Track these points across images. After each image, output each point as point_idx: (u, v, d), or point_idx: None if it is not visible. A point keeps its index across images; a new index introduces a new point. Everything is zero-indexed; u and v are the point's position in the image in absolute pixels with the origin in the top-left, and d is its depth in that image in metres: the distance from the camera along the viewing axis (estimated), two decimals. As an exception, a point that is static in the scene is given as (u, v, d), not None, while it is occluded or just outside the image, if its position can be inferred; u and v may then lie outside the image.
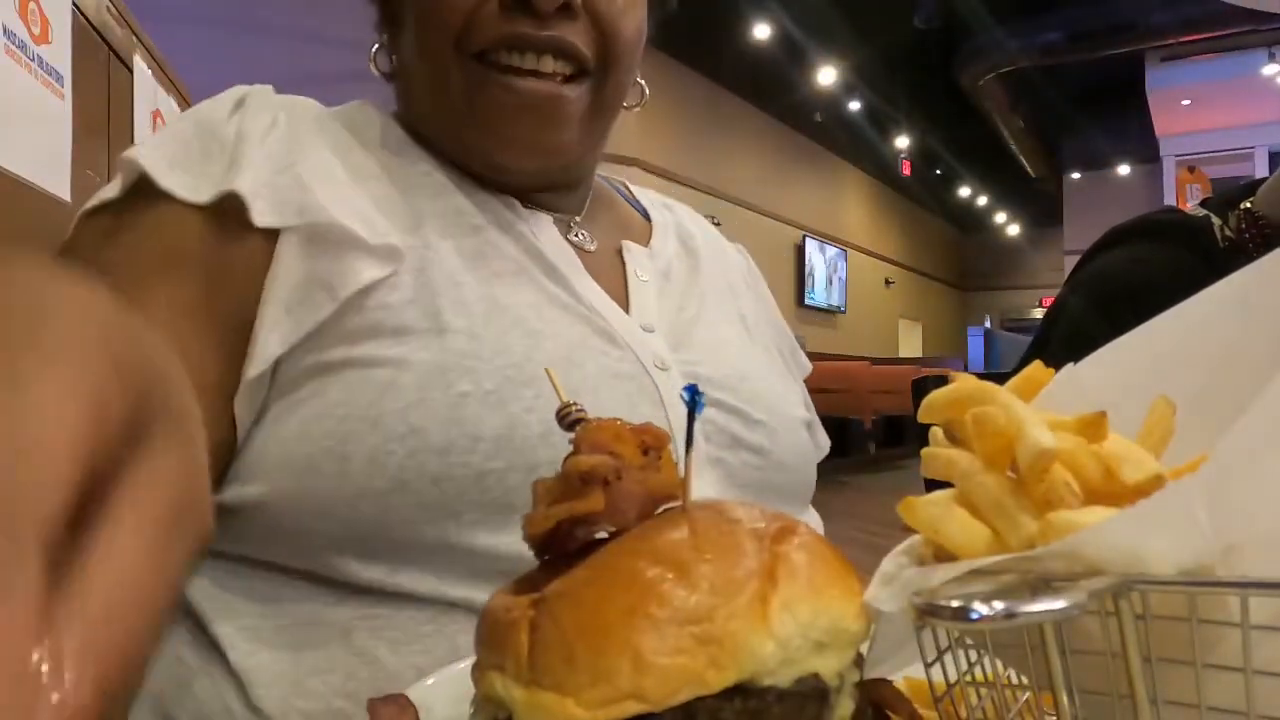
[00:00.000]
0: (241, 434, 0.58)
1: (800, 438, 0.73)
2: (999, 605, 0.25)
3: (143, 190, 0.59)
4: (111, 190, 0.60)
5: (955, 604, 0.25)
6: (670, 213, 0.86)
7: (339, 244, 0.58)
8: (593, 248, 0.74)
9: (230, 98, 0.65)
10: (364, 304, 0.58)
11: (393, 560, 0.56)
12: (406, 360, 0.57)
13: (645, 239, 0.79)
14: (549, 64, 0.64)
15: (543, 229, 0.70)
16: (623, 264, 0.74)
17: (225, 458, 0.58)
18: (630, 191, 0.88)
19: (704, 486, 0.62)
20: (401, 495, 0.54)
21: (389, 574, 0.56)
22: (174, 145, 0.60)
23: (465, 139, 0.68)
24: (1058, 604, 0.25)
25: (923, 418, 0.36)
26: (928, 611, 0.26)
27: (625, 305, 0.70)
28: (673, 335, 0.70)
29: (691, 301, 0.75)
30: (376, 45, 0.72)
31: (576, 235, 0.73)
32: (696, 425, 0.62)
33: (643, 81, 0.75)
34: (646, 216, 0.84)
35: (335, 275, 0.57)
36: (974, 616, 0.25)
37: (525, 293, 0.64)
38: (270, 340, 0.56)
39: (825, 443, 0.81)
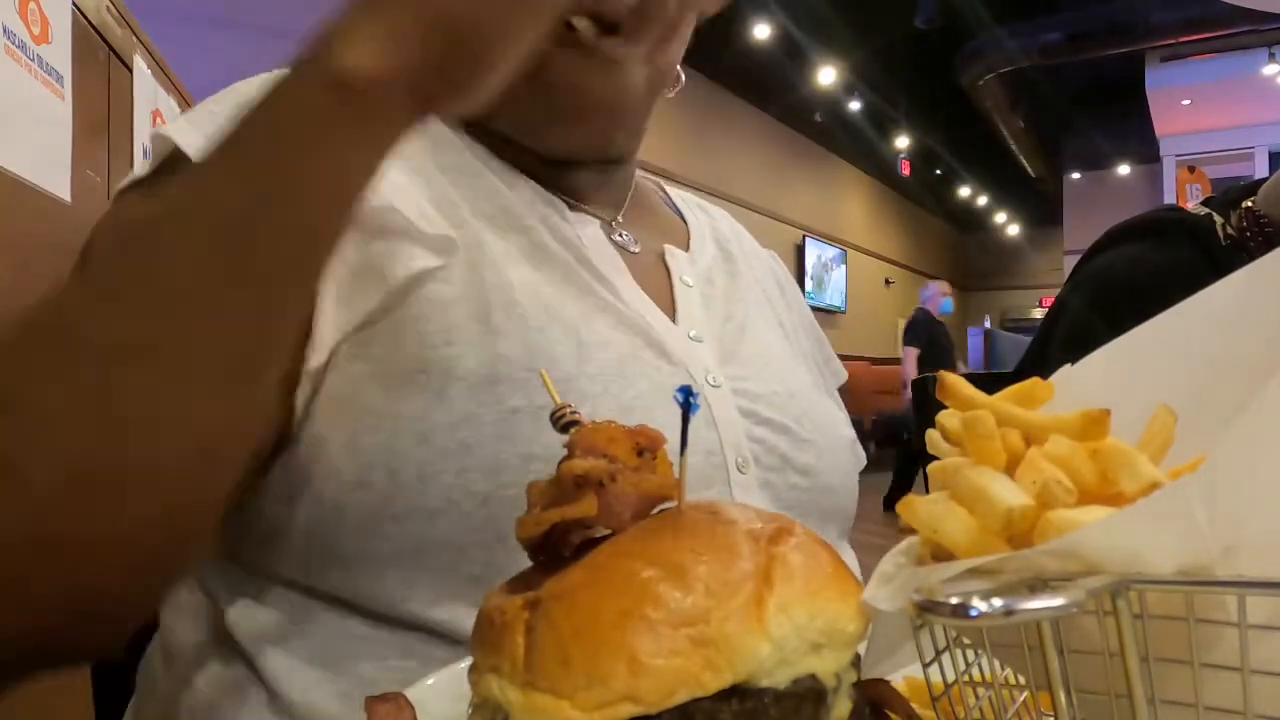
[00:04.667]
0: (294, 430, 0.54)
1: (847, 459, 0.71)
2: (997, 603, 0.25)
3: (178, 167, 0.54)
4: (144, 169, 0.56)
5: (954, 601, 0.25)
6: (706, 215, 0.84)
7: (393, 230, 0.55)
8: (636, 250, 0.71)
9: (268, 80, 0.61)
10: (415, 294, 0.55)
11: (435, 589, 0.53)
12: (454, 369, 0.54)
13: (684, 243, 0.77)
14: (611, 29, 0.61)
15: (589, 232, 0.68)
16: (666, 268, 0.72)
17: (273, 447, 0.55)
18: (666, 193, 0.85)
19: None
20: (451, 515, 0.52)
21: (428, 606, 0.53)
22: (209, 122, 0.56)
23: (528, 109, 0.64)
24: (1056, 601, 0.25)
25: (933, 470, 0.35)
26: (926, 609, 0.26)
27: (671, 312, 0.67)
28: (720, 346, 0.68)
29: (736, 309, 0.73)
30: None
31: (619, 235, 0.71)
32: (745, 445, 0.62)
33: (679, 68, 0.72)
34: (683, 218, 0.82)
35: (386, 259, 0.54)
36: (973, 614, 0.25)
37: (574, 299, 0.61)
38: (327, 328, 0.53)
39: (863, 455, 0.77)
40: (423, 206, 0.58)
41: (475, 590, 0.52)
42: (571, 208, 0.69)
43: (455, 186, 0.63)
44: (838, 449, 0.70)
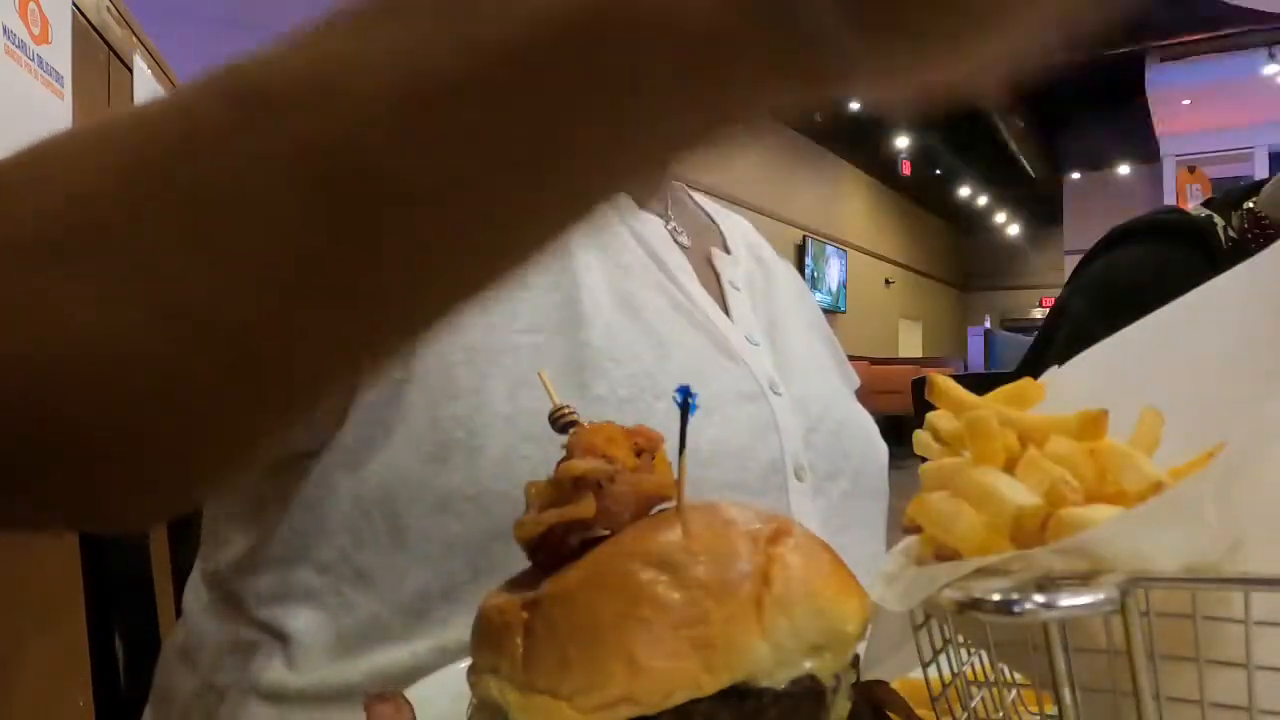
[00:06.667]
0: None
1: (882, 463, 0.71)
2: (1039, 598, 0.25)
3: None
4: None
5: (996, 598, 0.25)
6: (732, 221, 0.84)
7: None
8: (689, 244, 0.71)
9: None
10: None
11: (505, 574, 0.52)
12: (541, 352, 0.54)
13: (723, 245, 0.77)
14: None
15: (654, 229, 0.68)
16: (714, 269, 0.71)
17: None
18: (691, 196, 0.84)
19: (807, 521, 0.59)
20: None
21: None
22: None
23: None
24: (1092, 598, 0.25)
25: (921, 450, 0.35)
26: (969, 605, 0.26)
27: (726, 314, 0.67)
28: (772, 351, 0.68)
29: (776, 314, 0.72)
30: None
31: (671, 227, 0.70)
32: (803, 453, 0.62)
33: None
34: (714, 222, 0.81)
35: None
36: (1016, 610, 0.25)
37: (651, 294, 0.61)
38: None
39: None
40: None
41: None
42: (636, 202, 0.68)
43: None
44: (876, 452, 0.70)
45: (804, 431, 0.63)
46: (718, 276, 0.71)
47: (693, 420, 0.54)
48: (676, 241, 0.69)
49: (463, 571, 0.52)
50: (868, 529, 0.66)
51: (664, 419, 0.54)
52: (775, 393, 0.63)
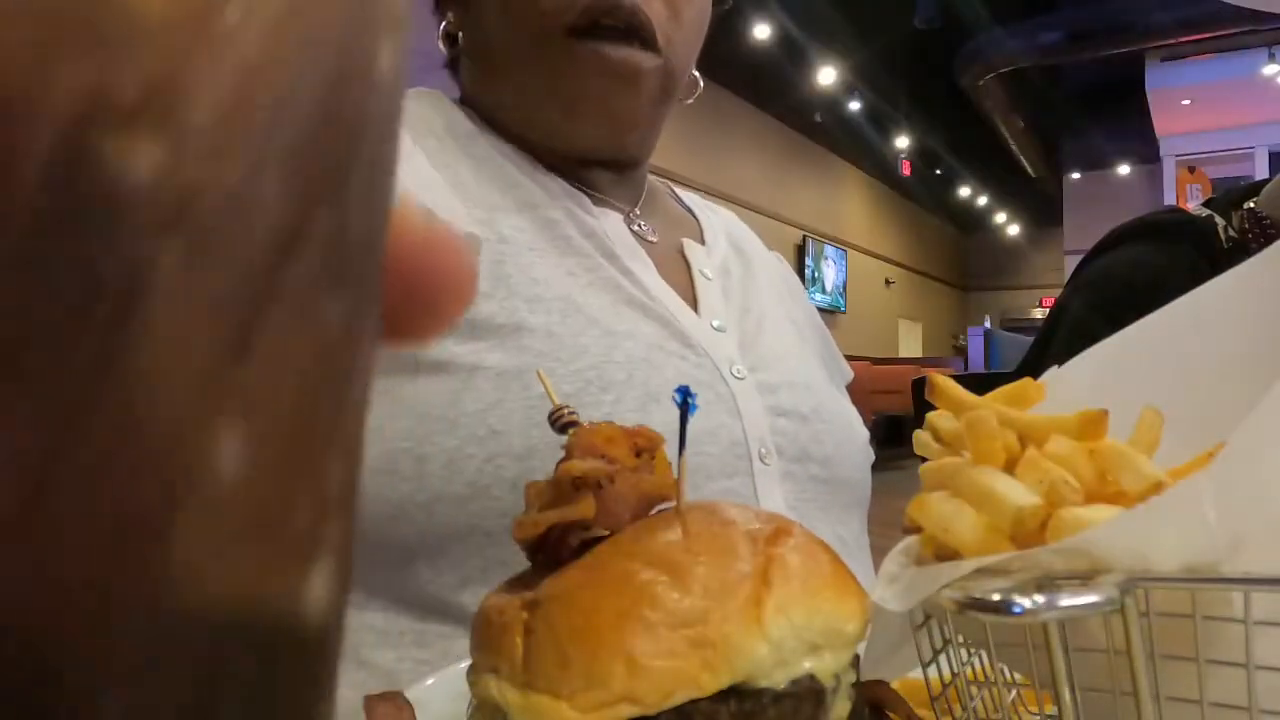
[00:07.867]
0: None
1: (863, 453, 0.72)
2: (1039, 598, 0.25)
3: None
4: None
5: (996, 598, 0.25)
6: (715, 214, 0.85)
7: None
8: (655, 240, 0.73)
9: None
10: None
11: (463, 572, 0.54)
12: (482, 360, 0.55)
13: (698, 237, 0.78)
14: (629, 36, 0.65)
15: (611, 224, 0.69)
16: (685, 261, 0.73)
17: None
18: (675, 193, 0.87)
19: (774, 502, 0.60)
20: (480, 501, 0.53)
21: (456, 589, 0.53)
22: None
23: (541, 110, 0.67)
24: (1093, 598, 0.25)
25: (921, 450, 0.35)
26: (969, 605, 0.26)
27: (693, 303, 0.69)
28: (741, 338, 0.69)
29: (753, 303, 0.74)
30: (443, 25, 0.71)
31: (637, 226, 0.72)
32: (769, 437, 0.63)
33: (697, 73, 0.74)
34: (694, 216, 0.83)
35: None
36: (1016, 610, 0.25)
37: (600, 291, 0.63)
38: None
39: (872, 454, 0.78)
40: (450, 202, 0.59)
41: (505, 574, 0.53)
42: (594, 200, 0.70)
43: (482, 178, 0.64)
44: (854, 441, 0.70)
45: (770, 415, 0.64)
46: (688, 267, 0.72)
47: (642, 407, 0.55)
48: (639, 237, 0.71)
49: (425, 571, 0.54)
50: (835, 513, 0.66)
51: (610, 409, 0.55)
52: (736, 376, 0.63)
